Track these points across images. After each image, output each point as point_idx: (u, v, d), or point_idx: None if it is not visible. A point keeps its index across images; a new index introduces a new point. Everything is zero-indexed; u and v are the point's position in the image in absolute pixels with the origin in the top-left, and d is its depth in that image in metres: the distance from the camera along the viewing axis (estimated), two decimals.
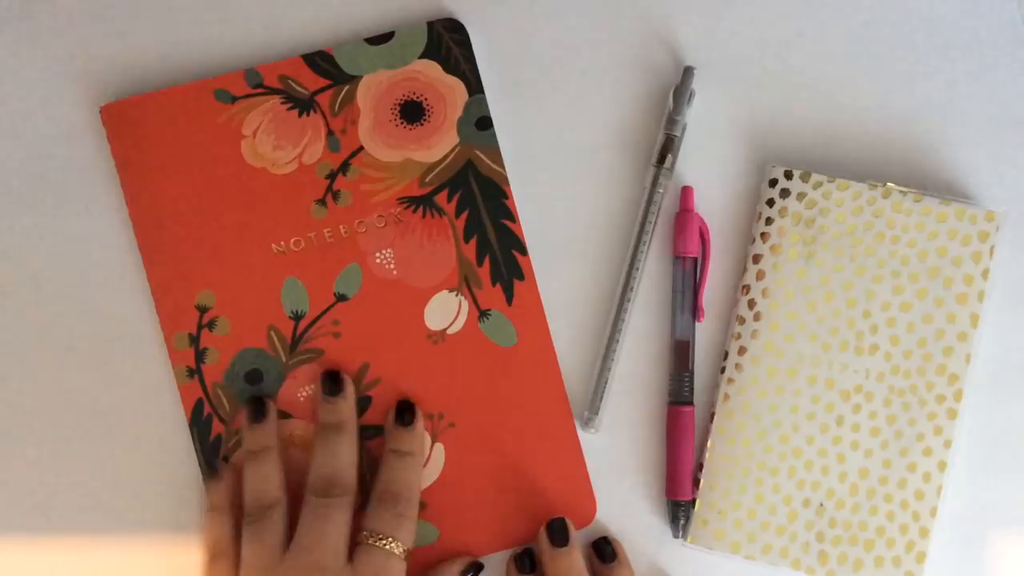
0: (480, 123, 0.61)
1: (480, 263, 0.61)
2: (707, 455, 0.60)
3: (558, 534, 0.59)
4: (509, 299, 0.61)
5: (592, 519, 0.61)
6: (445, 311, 0.61)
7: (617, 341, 0.61)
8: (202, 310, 0.60)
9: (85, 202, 0.62)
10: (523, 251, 0.61)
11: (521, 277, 0.61)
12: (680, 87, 0.61)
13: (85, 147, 0.62)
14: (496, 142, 0.61)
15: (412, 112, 0.61)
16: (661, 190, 0.61)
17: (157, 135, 0.60)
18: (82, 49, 0.62)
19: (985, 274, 0.59)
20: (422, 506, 0.60)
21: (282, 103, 0.61)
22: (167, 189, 0.61)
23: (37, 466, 0.61)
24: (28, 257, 0.61)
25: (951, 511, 0.61)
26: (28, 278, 0.61)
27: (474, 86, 0.61)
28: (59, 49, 0.62)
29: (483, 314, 0.61)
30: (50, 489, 0.61)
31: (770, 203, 0.61)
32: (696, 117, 0.62)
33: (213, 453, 0.60)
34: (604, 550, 0.60)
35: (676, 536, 0.61)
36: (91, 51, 0.62)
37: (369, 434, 0.61)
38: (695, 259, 0.61)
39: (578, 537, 0.60)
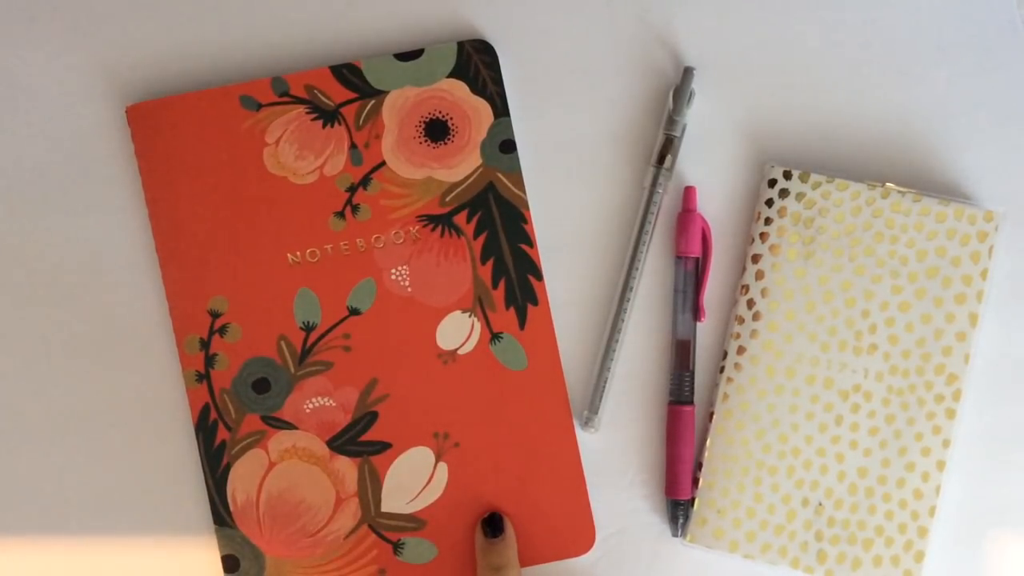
0: (504, 146, 0.61)
1: (495, 286, 0.61)
2: (706, 454, 0.60)
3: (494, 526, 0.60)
4: (522, 323, 0.61)
5: (591, 547, 0.61)
6: (457, 331, 0.61)
7: (617, 341, 0.61)
8: (214, 315, 0.61)
9: (106, 201, 0.62)
10: (539, 276, 0.61)
11: (535, 302, 0.61)
12: (680, 87, 0.61)
13: (109, 146, 0.62)
14: (519, 166, 0.61)
15: (437, 130, 0.61)
16: (661, 190, 0.61)
17: (181, 138, 0.61)
18: (111, 49, 0.62)
19: (984, 274, 0.60)
20: (422, 524, 0.61)
21: (307, 113, 0.61)
22: (188, 192, 0.61)
23: (42, 464, 0.62)
24: (45, 253, 0.62)
25: (949, 510, 0.61)
26: (45, 274, 0.62)
27: (500, 109, 0.61)
28: (88, 48, 0.62)
29: (495, 337, 0.61)
30: (54, 488, 0.62)
31: (769, 203, 0.61)
32: (696, 117, 0.62)
33: (217, 459, 0.61)
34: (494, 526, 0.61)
35: (675, 535, 0.61)
36: (120, 51, 0.62)
37: (375, 449, 0.61)
38: (697, 259, 0.62)
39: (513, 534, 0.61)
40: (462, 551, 0.61)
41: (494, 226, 0.61)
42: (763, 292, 0.60)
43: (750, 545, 0.60)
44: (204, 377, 0.61)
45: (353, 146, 0.61)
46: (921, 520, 0.59)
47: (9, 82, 0.62)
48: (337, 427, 0.61)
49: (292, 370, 0.61)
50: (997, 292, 0.61)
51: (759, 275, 0.61)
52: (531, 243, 0.61)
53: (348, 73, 0.61)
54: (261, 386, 0.61)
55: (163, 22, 0.62)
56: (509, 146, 0.61)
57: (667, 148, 0.61)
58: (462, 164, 0.61)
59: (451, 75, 0.61)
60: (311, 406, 0.61)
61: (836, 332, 0.60)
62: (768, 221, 0.61)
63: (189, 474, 0.61)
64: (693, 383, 0.61)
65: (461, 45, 0.61)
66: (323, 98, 0.61)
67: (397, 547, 0.61)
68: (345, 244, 0.61)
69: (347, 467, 0.61)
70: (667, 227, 0.62)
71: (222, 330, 0.61)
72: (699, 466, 0.61)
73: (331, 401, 0.61)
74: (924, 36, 0.62)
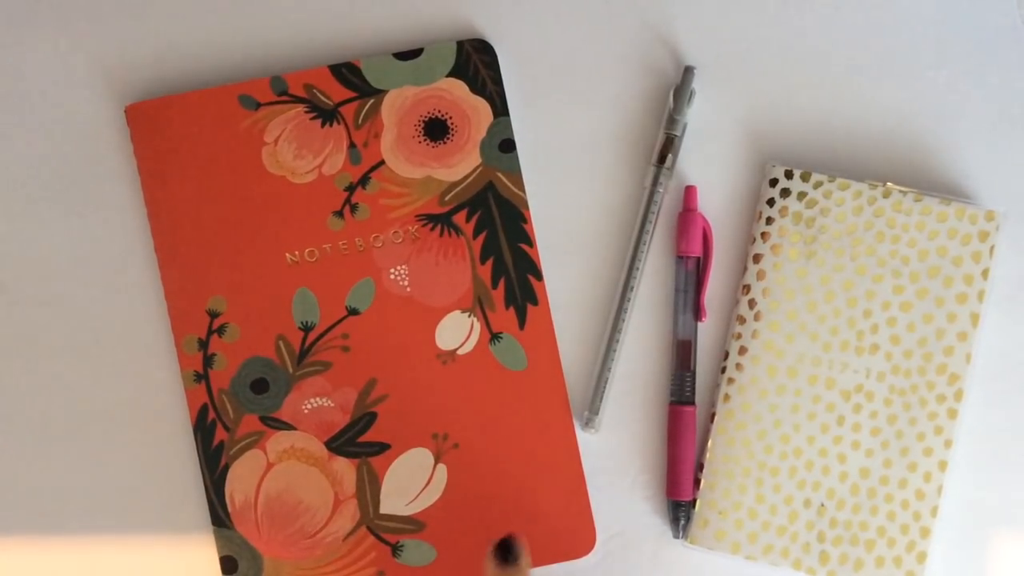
0: (503, 145, 0.61)
1: (495, 285, 0.61)
2: (707, 455, 0.60)
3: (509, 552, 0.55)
4: (522, 323, 0.61)
5: (591, 549, 0.61)
6: (457, 331, 0.61)
7: (617, 341, 0.61)
8: (212, 315, 0.60)
9: (105, 200, 0.62)
10: (539, 276, 0.61)
11: (535, 302, 0.61)
12: (680, 87, 0.61)
13: (109, 146, 0.62)
14: (518, 166, 0.61)
15: (436, 130, 0.61)
16: (661, 189, 0.61)
17: (180, 137, 0.61)
18: (110, 48, 0.62)
19: (985, 274, 0.59)
20: (421, 526, 0.60)
21: (306, 112, 0.61)
22: (186, 192, 0.61)
23: (40, 465, 0.61)
24: (44, 252, 0.62)
25: (952, 511, 0.61)
26: (43, 273, 0.62)
27: (499, 108, 0.61)
28: (88, 48, 0.62)
29: (495, 337, 0.61)
30: (52, 488, 0.61)
31: (770, 203, 0.61)
32: (696, 117, 0.62)
33: (215, 460, 0.60)
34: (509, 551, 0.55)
35: (677, 536, 0.61)
36: (119, 51, 0.62)
37: (373, 450, 0.61)
38: (698, 259, 0.61)
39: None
40: (461, 553, 0.60)
41: (494, 226, 0.61)
42: (764, 292, 0.60)
43: (752, 546, 0.59)
44: (203, 377, 0.60)
45: (352, 145, 0.61)
46: (923, 521, 0.59)
47: (9, 82, 0.62)
48: (336, 428, 0.60)
49: (290, 370, 0.60)
50: (998, 292, 0.61)
51: (760, 275, 0.60)
52: (531, 243, 0.61)
53: (347, 72, 0.61)
54: (259, 386, 0.60)
55: (162, 22, 0.62)
56: (508, 145, 0.61)
57: (668, 147, 0.61)
58: (461, 163, 0.61)
59: (450, 74, 0.61)
60: (309, 406, 0.60)
61: (838, 332, 0.60)
62: (769, 220, 0.61)
63: (187, 475, 0.61)
64: (694, 383, 0.61)
65: (460, 44, 0.61)
66: (322, 97, 0.61)
67: (396, 549, 0.60)
68: (344, 244, 0.61)
69: (345, 468, 0.60)
70: (668, 227, 0.62)
71: (220, 330, 0.60)
72: (700, 467, 0.61)
73: (330, 402, 0.60)
74: (924, 36, 0.62)
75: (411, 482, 0.60)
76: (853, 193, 0.60)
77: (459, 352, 0.61)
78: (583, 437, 0.61)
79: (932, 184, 0.61)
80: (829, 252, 0.60)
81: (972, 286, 0.59)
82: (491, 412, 0.61)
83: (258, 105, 0.61)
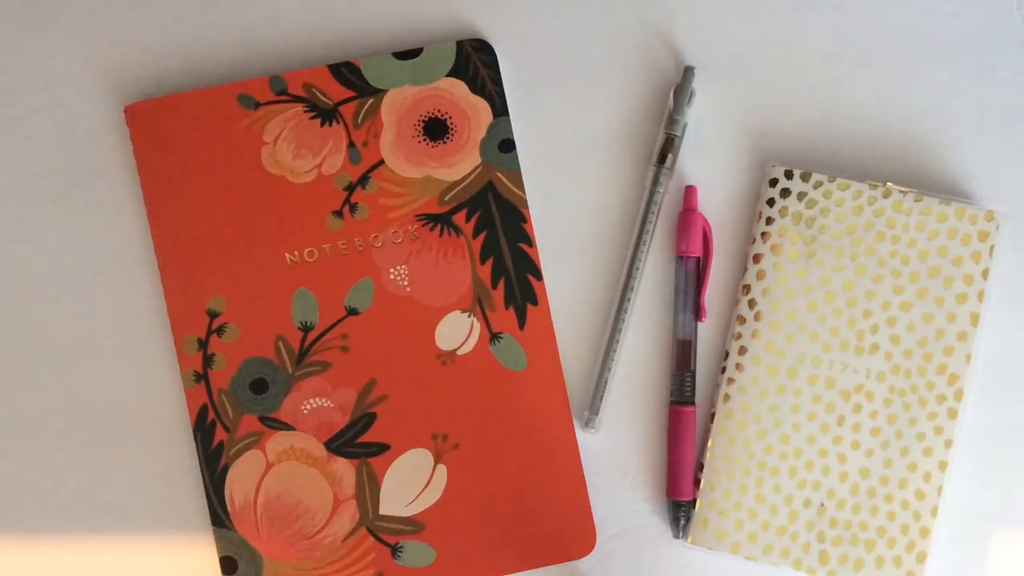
0: (503, 145, 0.61)
1: (495, 285, 0.61)
2: (708, 455, 0.60)
3: None
4: (521, 323, 0.61)
5: (592, 550, 0.61)
6: (456, 331, 0.61)
7: (617, 341, 0.61)
8: (212, 315, 0.60)
9: (105, 200, 0.62)
10: (538, 276, 0.61)
11: (535, 302, 0.61)
12: (680, 87, 0.61)
13: (108, 146, 0.62)
14: (518, 165, 0.61)
15: (436, 129, 0.61)
16: (661, 189, 0.61)
17: (179, 137, 0.61)
18: (109, 48, 0.62)
19: (985, 274, 0.59)
20: (420, 527, 0.60)
21: (305, 112, 0.61)
22: (186, 192, 0.61)
23: (40, 465, 0.61)
24: (44, 252, 0.62)
25: (952, 511, 0.61)
26: (42, 273, 0.62)
27: (499, 108, 0.61)
28: (86, 47, 0.62)
29: (494, 337, 0.61)
30: (52, 489, 0.61)
31: (770, 203, 0.61)
32: (696, 117, 0.62)
33: (215, 460, 0.60)
34: None
35: (677, 536, 0.61)
36: (118, 50, 0.62)
37: (373, 451, 0.60)
38: (698, 259, 0.61)
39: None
40: (461, 555, 0.60)
41: (493, 225, 0.61)
42: (764, 292, 0.60)
43: (752, 546, 0.59)
44: (202, 377, 0.60)
45: (351, 145, 0.61)
46: (923, 521, 0.59)
47: (8, 82, 0.62)
48: (335, 428, 0.60)
49: (290, 370, 0.60)
50: (998, 292, 0.61)
51: (760, 275, 0.60)
52: (531, 243, 0.61)
53: (347, 72, 0.61)
54: (259, 386, 0.60)
55: (162, 22, 0.62)
56: (508, 145, 0.61)
57: (668, 147, 0.61)
58: (461, 163, 0.61)
59: (450, 74, 0.61)
60: (309, 407, 0.60)
61: (838, 332, 0.60)
62: (769, 220, 0.61)
63: (187, 475, 0.61)
64: (694, 383, 0.61)
65: (460, 44, 0.61)
66: (321, 96, 0.61)
67: (396, 550, 0.60)
68: (343, 243, 0.61)
69: (345, 469, 0.60)
70: (668, 227, 0.62)
71: (220, 330, 0.60)
72: (700, 467, 0.61)
73: (329, 402, 0.60)
74: (924, 36, 0.62)
75: (411, 483, 0.60)
76: (853, 193, 0.60)
77: (459, 352, 0.61)
78: (583, 437, 0.61)
79: (932, 184, 0.61)
80: (829, 252, 0.60)
81: (972, 286, 0.59)
82: (491, 412, 0.61)
83: (257, 105, 0.61)
